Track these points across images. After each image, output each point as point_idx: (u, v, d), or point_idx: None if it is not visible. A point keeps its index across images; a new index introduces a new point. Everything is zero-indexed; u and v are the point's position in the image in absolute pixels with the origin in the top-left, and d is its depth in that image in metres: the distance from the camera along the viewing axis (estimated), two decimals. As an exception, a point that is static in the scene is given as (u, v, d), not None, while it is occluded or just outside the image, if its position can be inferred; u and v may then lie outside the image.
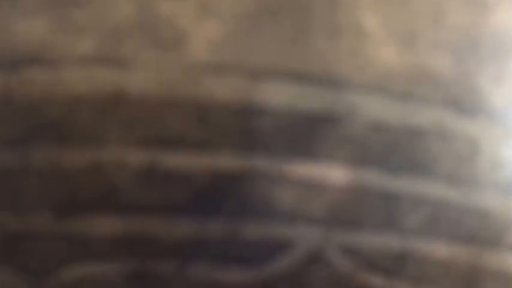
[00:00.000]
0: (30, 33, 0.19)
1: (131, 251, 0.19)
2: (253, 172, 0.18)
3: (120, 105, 0.18)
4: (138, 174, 0.18)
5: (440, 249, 0.20)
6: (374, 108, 0.19)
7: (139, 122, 0.18)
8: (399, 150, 0.19)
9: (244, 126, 0.18)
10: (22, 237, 0.19)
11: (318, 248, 0.19)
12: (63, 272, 0.19)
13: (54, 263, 0.19)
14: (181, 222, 0.19)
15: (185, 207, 0.18)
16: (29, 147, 0.19)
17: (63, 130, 0.19)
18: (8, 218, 0.19)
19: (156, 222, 0.19)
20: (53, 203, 0.19)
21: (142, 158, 0.18)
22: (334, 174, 0.19)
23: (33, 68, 0.19)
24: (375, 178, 0.19)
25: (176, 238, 0.19)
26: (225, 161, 0.18)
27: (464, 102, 0.20)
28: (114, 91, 0.18)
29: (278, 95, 0.19)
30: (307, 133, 0.19)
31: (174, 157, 0.18)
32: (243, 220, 0.19)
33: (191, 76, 0.18)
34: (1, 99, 0.19)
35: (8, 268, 0.19)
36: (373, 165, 0.19)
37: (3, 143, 0.19)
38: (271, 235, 0.19)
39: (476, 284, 0.21)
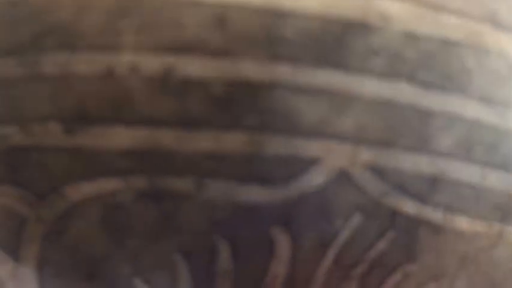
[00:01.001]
0: None
1: (144, 167, 0.17)
2: (277, 82, 0.17)
3: (134, 8, 0.17)
4: (153, 82, 0.17)
5: (473, 174, 0.19)
6: (408, 18, 0.18)
7: (155, 26, 0.17)
8: (433, 63, 0.18)
9: (268, 32, 0.17)
10: (27, 152, 0.18)
11: (346, 167, 0.18)
12: (70, 191, 0.18)
13: (60, 181, 0.18)
14: (198, 136, 0.17)
15: (202, 118, 0.17)
16: (36, 53, 0.17)
17: (73, 35, 0.17)
18: (12, 131, 0.18)
19: (170, 135, 0.17)
20: (61, 115, 0.17)
21: (158, 65, 0.17)
22: (364, 86, 0.17)
23: None
24: (406, 92, 0.18)
25: (192, 153, 0.17)
26: (247, 69, 0.17)
27: (503, 18, 0.19)
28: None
29: None
30: (337, 42, 0.17)
31: (192, 64, 0.17)
32: (265, 134, 0.17)
33: None
34: (6, 4, 0.18)
35: (9, 188, 0.18)
36: (405, 79, 0.18)
37: (8, 50, 0.18)
38: (295, 151, 0.17)
39: (510, 211, 0.20)
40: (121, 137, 0.17)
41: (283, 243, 0.18)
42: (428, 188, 0.18)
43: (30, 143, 0.18)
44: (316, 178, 0.18)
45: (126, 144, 0.17)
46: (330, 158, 0.18)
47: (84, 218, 0.18)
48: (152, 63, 0.17)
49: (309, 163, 0.18)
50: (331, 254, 0.19)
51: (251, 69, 0.17)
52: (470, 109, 0.19)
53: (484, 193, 0.19)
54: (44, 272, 0.19)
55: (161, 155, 0.17)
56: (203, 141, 0.17)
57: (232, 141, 0.17)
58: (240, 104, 0.17)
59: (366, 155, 0.18)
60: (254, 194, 0.18)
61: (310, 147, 0.17)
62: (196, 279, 0.19)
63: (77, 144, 0.17)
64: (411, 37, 0.18)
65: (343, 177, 0.18)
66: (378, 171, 0.18)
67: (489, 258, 0.20)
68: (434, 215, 0.19)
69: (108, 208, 0.18)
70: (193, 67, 0.17)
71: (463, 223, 0.19)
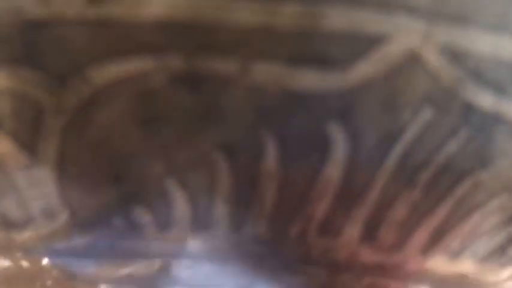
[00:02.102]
0: None
1: (181, 43, 0.15)
2: None
3: None
4: None
5: None
6: None
7: None
8: None
9: None
10: (44, 26, 0.15)
11: (418, 48, 0.15)
12: (94, 73, 0.15)
13: (83, 61, 0.15)
14: (244, 6, 0.15)
15: None
16: None
17: None
18: (27, 1, 0.15)
19: (213, 3, 0.15)
20: (84, -20, 0.15)
21: None
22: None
23: None
24: None
25: (238, 27, 0.15)
26: None
27: None
28: None
29: None
30: None
31: None
32: (323, 5, 0.15)
33: None
34: None
35: (26, 71, 0.16)
36: None
37: None
38: (358, 27, 0.15)
39: None
40: (156, 5, 0.15)
41: (340, 140, 0.16)
42: (510, 76, 0.16)
43: (48, 16, 0.15)
44: (382, 61, 0.15)
45: (161, 14, 0.15)
46: (399, 36, 0.15)
47: (111, 106, 0.16)
48: None
49: (375, 42, 0.15)
50: (395, 155, 0.16)
51: None
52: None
53: None
54: (64, 171, 0.17)
55: (202, 29, 0.15)
56: (250, 13, 0.15)
57: (285, 13, 0.15)
58: None
59: (441, 34, 0.15)
60: (308, 79, 0.15)
61: (377, 23, 0.15)
62: (238, 179, 0.16)
63: (102, 14, 0.15)
64: None
65: (414, 60, 0.15)
66: (453, 54, 0.15)
67: None
68: None
69: (138, 94, 0.15)
70: None
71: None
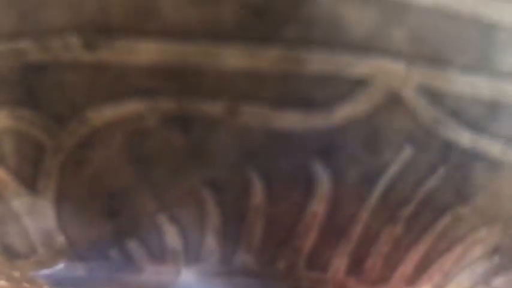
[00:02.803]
0: None
1: (172, 86, 0.16)
2: (320, -10, 0.15)
3: None
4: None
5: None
6: None
7: None
8: None
9: None
10: (44, 69, 0.16)
11: (397, 89, 0.16)
12: (91, 115, 0.16)
13: (81, 103, 0.16)
14: (229, 51, 0.15)
15: (235, 30, 0.15)
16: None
17: None
18: (27, 46, 0.16)
19: (200, 49, 0.15)
20: (81, 27, 0.16)
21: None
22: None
23: None
24: (467, 0, 0.16)
25: (224, 71, 0.16)
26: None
27: None
28: None
29: None
30: None
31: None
32: (305, 48, 0.15)
33: None
34: None
35: (26, 112, 0.17)
36: None
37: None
38: (340, 70, 0.16)
39: None
40: (147, 52, 0.15)
41: (323, 178, 0.16)
42: (487, 115, 0.17)
43: (47, 59, 0.16)
44: (363, 102, 0.16)
45: (152, 60, 0.16)
46: (380, 78, 0.16)
47: (106, 145, 0.16)
48: None
49: (356, 84, 0.16)
50: (377, 192, 0.17)
51: None
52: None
53: None
54: (63, 206, 0.17)
55: (190, 73, 0.16)
56: (235, 57, 0.15)
57: (268, 57, 0.15)
58: (279, 12, 0.15)
59: (420, 75, 0.16)
60: (292, 119, 0.16)
61: (358, 65, 0.16)
62: (226, 215, 0.17)
63: (99, 60, 0.16)
64: None
65: (394, 101, 0.16)
66: (432, 95, 0.16)
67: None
68: (493, 147, 0.17)
69: (132, 134, 0.16)
70: None
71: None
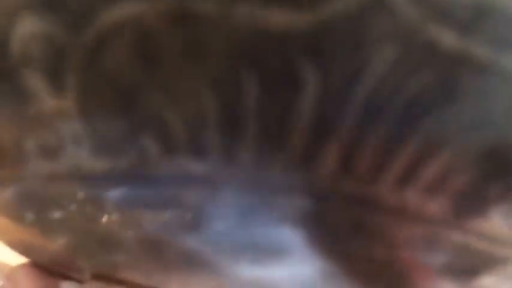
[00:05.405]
0: None
1: None
2: None
3: None
4: None
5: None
6: None
7: None
8: None
9: None
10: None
11: None
12: (103, 15, 0.18)
13: (95, 4, 0.18)
14: None
15: None
16: None
17: None
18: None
19: None
20: None
21: None
22: None
23: None
24: None
25: None
26: None
27: None
28: None
29: None
30: None
31: None
32: None
33: None
34: None
35: (49, 15, 0.19)
36: None
37: None
38: None
39: None
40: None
41: (310, 74, 0.18)
42: (472, 18, 0.17)
43: None
44: (349, 1, 0.17)
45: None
46: None
47: (117, 45, 0.18)
48: None
49: None
50: (361, 90, 0.18)
51: None
52: None
53: None
54: (86, 103, 0.20)
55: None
56: None
57: None
58: None
59: None
60: (279, 18, 0.17)
61: None
62: (224, 112, 0.19)
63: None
64: None
65: (378, 1, 0.17)
66: None
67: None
68: (478, 51, 0.17)
69: (138, 35, 0.18)
70: None
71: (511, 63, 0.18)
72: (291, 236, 0.21)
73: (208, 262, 0.23)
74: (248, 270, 0.23)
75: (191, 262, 0.23)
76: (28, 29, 0.19)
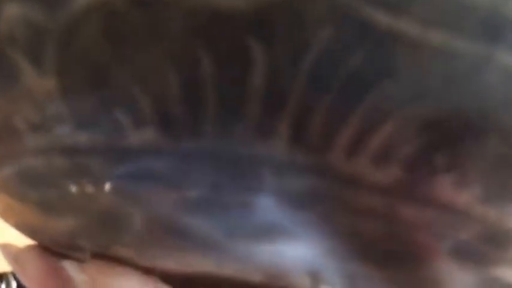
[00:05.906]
0: None
1: None
2: None
3: None
4: None
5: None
6: None
7: None
8: None
9: None
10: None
11: None
12: (74, 2, 0.20)
13: None
14: None
15: None
16: None
17: None
18: None
19: None
20: None
21: None
22: None
23: None
24: None
25: None
26: None
27: None
28: None
29: None
30: None
31: None
32: None
33: None
34: None
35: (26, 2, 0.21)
36: None
37: None
38: None
39: (499, 32, 0.19)
40: None
41: (258, 51, 0.19)
42: None
43: None
44: None
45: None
46: None
47: (88, 25, 0.20)
48: None
49: None
50: (306, 65, 0.20)
51: None
52: None
53: (467, 8, 0.19)
54: (65, 83, 0.22)
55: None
56: None
57: None
58: None
59: None
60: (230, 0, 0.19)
61: None
62: (185, 87, 0.20)
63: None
64: None
65: None
66: None
67: (476, 83, 0.20)
68: (411, 27, 0.19)
69: (106, 15, 0.20)
70: None
71: (443, 39, 0.19)
72: (271, 212, 0.23)
73: (204, 239, 0.24)
74: (244, 247, 0.24)
75: (187, 239, 0.25)
76: (12, 11, 0.21)
